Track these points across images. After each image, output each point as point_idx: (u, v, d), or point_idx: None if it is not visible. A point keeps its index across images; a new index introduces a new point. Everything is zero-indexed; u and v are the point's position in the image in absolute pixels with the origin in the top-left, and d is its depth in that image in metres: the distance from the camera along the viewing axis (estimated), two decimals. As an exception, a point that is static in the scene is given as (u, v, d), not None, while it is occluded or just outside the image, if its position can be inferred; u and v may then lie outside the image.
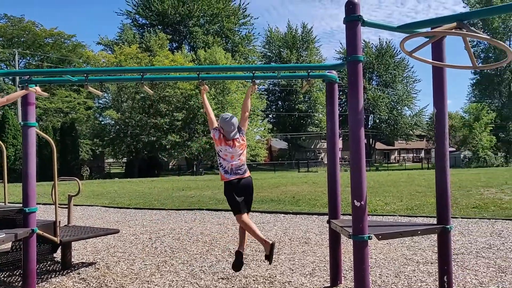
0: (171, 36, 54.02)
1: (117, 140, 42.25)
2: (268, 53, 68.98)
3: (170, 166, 56.77)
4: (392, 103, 70.08)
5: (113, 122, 43.75)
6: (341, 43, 79.57)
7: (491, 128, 54.42)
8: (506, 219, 8.95)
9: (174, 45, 57.88)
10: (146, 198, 15.93)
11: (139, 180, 29.56)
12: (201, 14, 58.98)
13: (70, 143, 41.07)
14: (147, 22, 59.02)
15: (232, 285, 5.11)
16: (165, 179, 31.17)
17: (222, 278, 5.38)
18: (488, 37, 3.75)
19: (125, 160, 49.09)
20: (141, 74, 4.98)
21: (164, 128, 42.06)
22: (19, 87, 5.02)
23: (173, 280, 5.35)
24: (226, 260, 6.24)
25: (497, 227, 8.24)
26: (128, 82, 37.59)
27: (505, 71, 57.44)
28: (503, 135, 57.82)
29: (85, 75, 4.96)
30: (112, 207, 13.69)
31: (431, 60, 4.34)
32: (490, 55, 58.08)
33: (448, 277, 4.40)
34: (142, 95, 42.30)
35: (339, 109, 5.34)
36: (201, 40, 57.30)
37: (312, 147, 73.39)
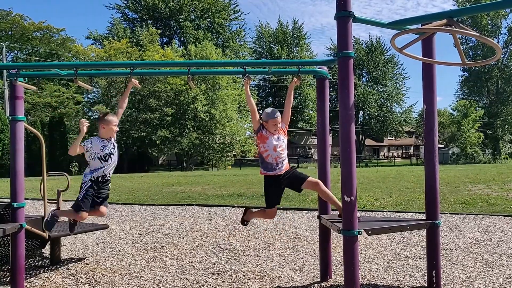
0: (161, 31, 53.74)
1: (106, 135, 41.97)
2: (259, 49, 68.90)
3: (160, 162, 56.62)
4: (382, 100, 70.50)
5: (102, 117, 43.42)
6: (331, 40, 79.87)
7: (479, 125, 54.93)
8: (493, 215, 9.05)
9: (165, 40, 57.64)
10: (135, 193, 15.87)
11: (129, 176, 29.42)
12: (192, 9, 58.75)
13: (58, 138, 40.78)
14: (137, 17, 58.64)
15: (223, 280, 5.11)
16: (155, 175, 31.07)
17: (212, 274, 5.38)
18: (477, 34, 3.78)
19: (115, 155, 48.76)
20: (131, 68, 4.95)
21: (154, 123, 41.89)
22: (6, 80, 4.96)
23: (163, 276, 5.35)
24: (217, 256, 6.25)
25: (484, 222, 8.33)
26: (118, 77, 37.38)
27: (493, 68, 57.91)
28: (491, 132, 58.39)
29: (74, 69, 4.92)
30: (101, 202, 13.60)
31: (421, 57, 4.37)
32: (479, 52, 58.49)
33: (437, 272, 4.45)
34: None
35: (329, 105, 5.36)
36: (192, 35, 57.09)
37: (302, 143, 73.56)
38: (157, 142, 41.78)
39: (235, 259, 6.05)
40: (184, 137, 42.78)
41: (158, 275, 5.37)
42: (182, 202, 12.90)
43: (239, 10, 64.61)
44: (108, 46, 43.45)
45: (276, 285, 4.90)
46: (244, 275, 5.27)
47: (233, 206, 11.62)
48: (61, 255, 6.24)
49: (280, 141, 4.80)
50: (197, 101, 42.07)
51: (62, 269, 5.73)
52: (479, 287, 4.61)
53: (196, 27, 58.67)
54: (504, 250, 6.14)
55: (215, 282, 5.04)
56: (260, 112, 5.06)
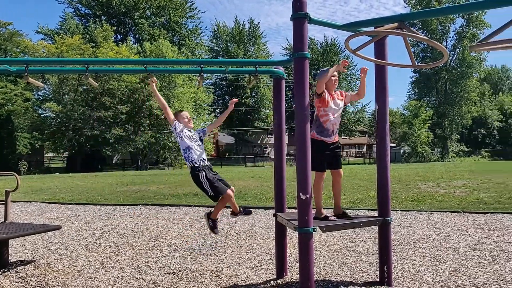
0: (116, 28, 52.56)
1: (58, 134, 40.64)
2: (216, 47, 68.68)
3: (114, 161, 55.34)
4: (336, 100, 71.80)
5: (53, 115, 42.02)
6: (287, 40, 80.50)
7: (429, 124, 57.05)
8: (441, 211, 9.44)
9: (119, 37, 56.40)
10: (89, 193, 15.47)
11: (82, 175, 28.62)
12: (148, 6, 57.82)
13: (6, 137, 39.18)
14: (91, 12, 57.09)
15: (179, 279, 5.09)
16: (109, 174, 30.37)
17: (169, 273, 5.34)
18: (426, 37, 3.94)
19: (67, 155, 47.35)
20: (86, 66, 4.83)
21: (108, 122, 40.92)
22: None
23: (118, 276, 5.26)
24: (173, 255, 6.20)
25: (433, 219, 8.68)
26: (70, 74, 36.28)
27: (442, 70, 60.23)
28: (439, 132, 60.75)
29: (25, 65, 4.75)
30: (52, 203, 13.20)
31: (373, 58, 4.50)
32: (429, 54, 60.65)
33: (388, 267, 4.61)
34: (85, 87, 40.93)
35: (285, 104, 5.44)
36: (147, 32, 56.23)
37: (258, 142, 73.88)
38: (111, 140, 40.84)
39: (191, 258, 6.03)
40: (139, 135, 42.05)
41: (113, 276, 5.28)
42: (137, 201, 12.70)
43: (196, 8, 64.26)
44: (60, 42, 42.08)
45: (233, 283, 4.93)
46: (200, 274, 5.27)
47: (189, 206, 11.54)
48: (10, 258, 6.02)
49: (339, 108, 4.89)
50: (152, 98, 41.46)
51: (10, 273, 5.53)
52: (427, 280, 4.81)
53: (151, 24, 57.81)
54: (450, 244, 6.42)
55: (171, 282, 5.01)
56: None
